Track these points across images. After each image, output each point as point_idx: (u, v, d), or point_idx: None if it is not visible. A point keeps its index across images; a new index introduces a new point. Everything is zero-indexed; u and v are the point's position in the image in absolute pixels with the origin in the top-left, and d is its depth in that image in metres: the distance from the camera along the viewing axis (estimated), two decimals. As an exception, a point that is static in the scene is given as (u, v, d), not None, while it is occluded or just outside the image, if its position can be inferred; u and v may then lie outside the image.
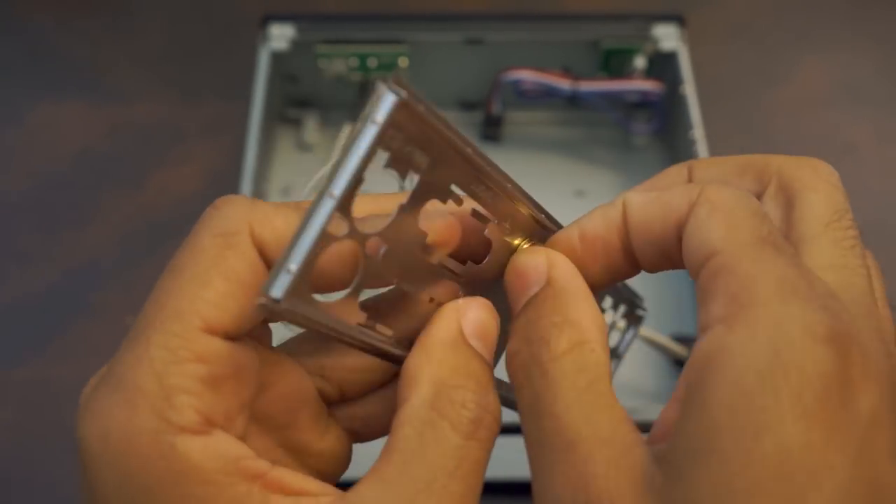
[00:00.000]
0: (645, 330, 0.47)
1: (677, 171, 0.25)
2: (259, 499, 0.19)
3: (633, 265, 0.23)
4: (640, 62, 0.56)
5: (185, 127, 0.60)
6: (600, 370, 0.21)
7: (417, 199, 0.20)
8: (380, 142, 0.19)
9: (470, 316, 0.22)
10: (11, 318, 0.52)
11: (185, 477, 0.19)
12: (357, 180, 0.18)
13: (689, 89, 0.54)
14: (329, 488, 0.21)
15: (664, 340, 0.47)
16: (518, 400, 0.21)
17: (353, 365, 0.24)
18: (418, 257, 0.21)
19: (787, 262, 0.19)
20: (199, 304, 0.19)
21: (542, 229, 0.24)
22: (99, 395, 0.20)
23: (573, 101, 0.56)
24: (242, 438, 0.21)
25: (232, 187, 0.52)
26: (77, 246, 0.55)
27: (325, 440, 0.24)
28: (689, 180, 0.25)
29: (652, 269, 0.23)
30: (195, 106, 0.62)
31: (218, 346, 0.20)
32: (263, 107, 0.53)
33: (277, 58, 0.56)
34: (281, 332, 0.24)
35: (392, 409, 0.22)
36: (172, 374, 0.19)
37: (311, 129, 0.59)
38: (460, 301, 0.22)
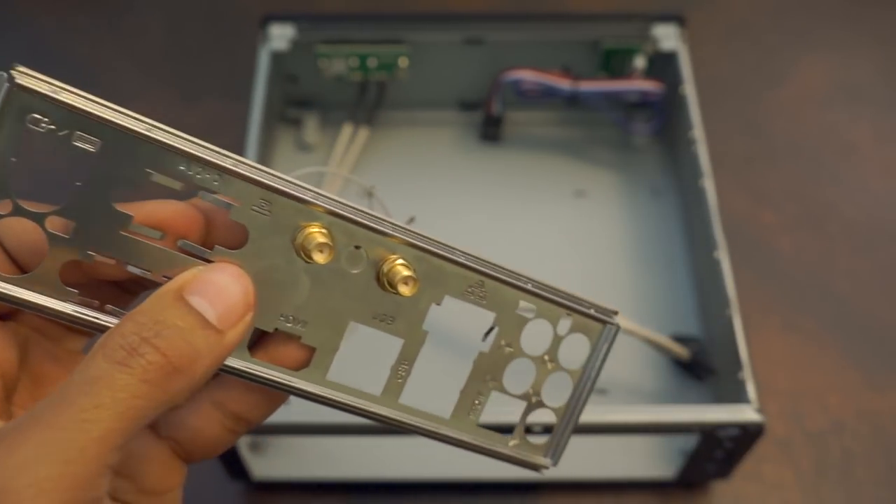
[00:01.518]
0: (645, 330, 0.47)
1: None
2: None
3: None
4: (640, 62, 0.56)
5: (184, 127, 0.60)
6: None
7: (98, 181, 0.22)
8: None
9: (204, 276, 0.22)
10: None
11: None
12: None
13: (689, 89, 0.54)
14: None
15: (664, 340, 0.47)
16: None
17: None
18: (137, 239, 0.22)
19: None
20: None
21: (299, 204, 0.23)
22: None
23: (573, 101, 0.56)
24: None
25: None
26: (77, 246, 0.55)
27: (136, 446, 0.24)
28: None
29: None
30: (195, 106, 0.62)
31: None
32: (263, 107, 0.53)
33: (277, 58, 0.56)
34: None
35: (215, 422, 0.24)
36: None
37: (311, 129, 0.59)
38: (205, 265, 0.22)
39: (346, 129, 0.58)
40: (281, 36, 0.56)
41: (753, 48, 0.66)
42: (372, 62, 0.57)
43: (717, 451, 0.43)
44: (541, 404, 0.27)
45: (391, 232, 0.24)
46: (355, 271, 0.24)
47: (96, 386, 0.20)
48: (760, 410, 0.41)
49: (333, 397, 0.25)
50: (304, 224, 0.23)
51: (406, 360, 0.26)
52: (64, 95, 0.21)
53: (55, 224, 0.22)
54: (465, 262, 0.25)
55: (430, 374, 0.28)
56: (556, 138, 0.59)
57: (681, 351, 0.47)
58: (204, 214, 0.23)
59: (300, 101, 0.59)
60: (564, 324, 0.27)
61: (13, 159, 0.21)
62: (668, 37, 0.56)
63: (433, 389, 0.27)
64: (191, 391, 0.21)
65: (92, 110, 0.21)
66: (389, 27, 0.56)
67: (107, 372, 0.20)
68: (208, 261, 0.23)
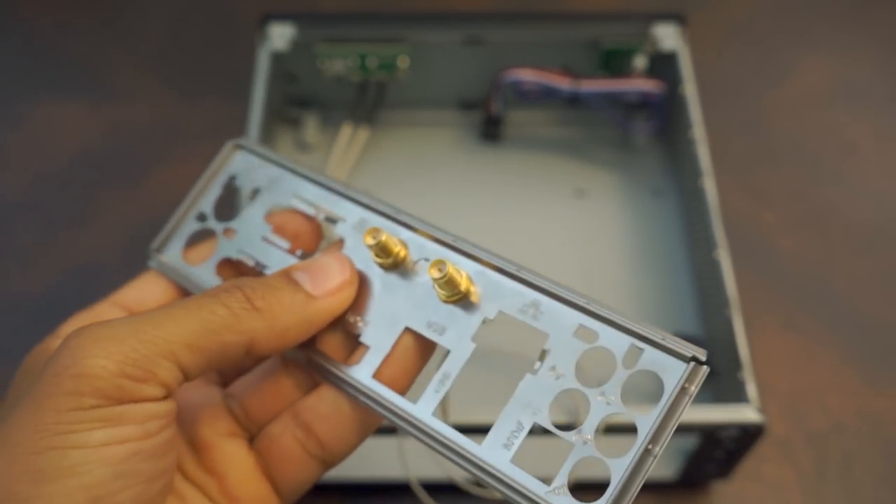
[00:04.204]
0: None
1: None
2: None
3: None
4: (640, 62, 0.56)
5: (184, 127, 0.60)
6: None
7: (259, 205, 0.31)
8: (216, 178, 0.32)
9: (312, 259, 0.27)
10: (11, 318, 0.52)
11: (47, 347, 0.28)
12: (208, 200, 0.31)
13: (690, 89, 0.54)
14: None
15: (664, 340, 0.47)
16: None
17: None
18: (272, 247, 0.29)
19: None
20: (116, 293, 0.30)
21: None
22: None
23: (573, 101, 0.56)
24: None
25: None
26: (77, 246, 0.55)
27: (225, 444, 0.28)
28: None
29: None
30: (195, 106, 0.62)
31: (110, 307, 0.29)
32: (263, 106, 0.53)
33: (277, 58, 0.56)
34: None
35: (289, 432, 0.27)
36: (75, 318, 0.29)
37: (311, 128, 0.59)
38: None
39: (346, 129, 0.58)
40: (281, 35, 0.56)
41: (753, 48, 0.66)
42: (372, 62, 0.57)
43: (718, 452, 0.43)
44: (591, 451, 0.23)
45: (452, 243, 0.27)
46: (420, 280, 0.27)
47: (185, 301, 0.24)
48: (760, 410, 0.41)
49: (371, 394, 0.26)
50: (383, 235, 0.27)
51: (449, 372, 0.25)
52: (263, 153, 0.32)
53: (227, 232, 0.30)
54: (522, 277, 0.25)
55: (469, 391, 0.27)
56: (556, 138, 0.59)
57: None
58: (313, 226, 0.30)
59: (300, 101, 0.59)
60: (632, 357, 0.23)
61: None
62: (668, 37, 0.56)
63: (468, 407, 0.27)
64: (275, 339, 0.25)
65: (270, 156, 0.31)
66: (389, 27, 0.56)
67: (197, 298, 0.24)
68: None
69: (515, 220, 0.55)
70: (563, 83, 0.55)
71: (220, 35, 0.66)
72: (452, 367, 0.25)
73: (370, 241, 0.26)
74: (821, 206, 0.58)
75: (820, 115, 0.62)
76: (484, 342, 0.25)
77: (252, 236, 0.30)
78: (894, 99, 0.63)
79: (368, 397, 0.26)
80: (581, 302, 0.24)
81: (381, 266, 0.27)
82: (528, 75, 0.55)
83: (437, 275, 0.25)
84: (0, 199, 0.57)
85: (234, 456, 0.27)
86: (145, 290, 0.30)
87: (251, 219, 0.30)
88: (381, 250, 0.27)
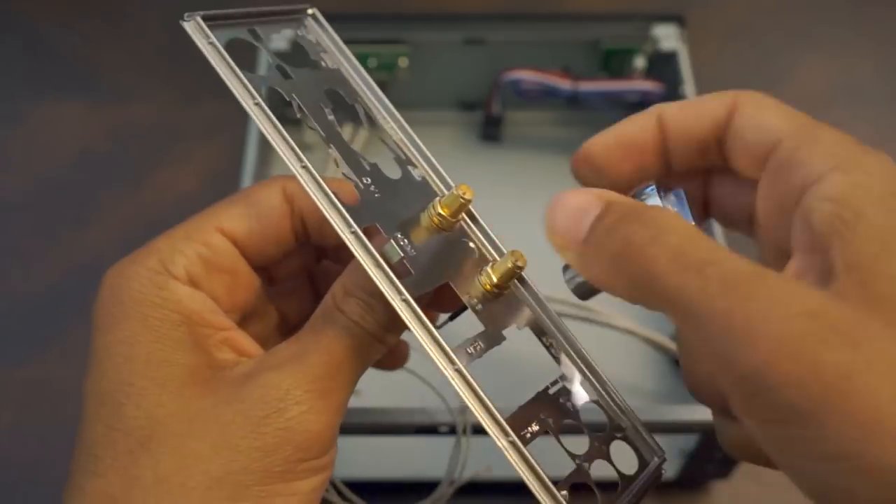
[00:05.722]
0: (645, 330, 0.47)
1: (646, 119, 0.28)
2: (214, 343, 0.25)
3: (663, 166, 0.27)
4: (640, 62, 0.56)
5: (184, 127, 0.60)
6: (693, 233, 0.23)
7: (319, 77, 0.32)
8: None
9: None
10: (11, 318, 0.52)
11: (168, 303, 0.24)
12: None
13: (689, 89, 0.54)
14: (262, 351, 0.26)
15: (664, 340, 0.47)
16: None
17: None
18: (329, 118, 0.30)
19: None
20: (220, 213, 0.27)
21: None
22: (124, 258, 0.26)
23: (573, 101, 0.56)
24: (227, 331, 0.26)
25: (232, 187, 0.52)
26: (77, 246, 0.55)
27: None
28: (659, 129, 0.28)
29: (683, 168, 0.27)
30: (195, 106, 0.62)
31: (221, 241, 0.27)
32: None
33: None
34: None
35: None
36: (181, 246, 0.26)
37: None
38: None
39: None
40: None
41: (753, 48, 0.66)
42: (372, 62, 0.57)
43: (717, 451, 0.43)
44: (587, 476, 0.27)
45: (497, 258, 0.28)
46: (467, 257, 0.28)
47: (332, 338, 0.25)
48: (760, 410, 0.41)
49: (417, 312, 0.25)
50: (441, 202, 0.28)
51: (483, 342, 0.26)
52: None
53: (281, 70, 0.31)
54: (542, 315, 0.27)
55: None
56: (556, 138, 0.59)
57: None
58: None
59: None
60: (617, 442, 0.28)
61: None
62: (668, 37, 0.56)
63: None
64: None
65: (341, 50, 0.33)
66: (389, 27, 0.56)
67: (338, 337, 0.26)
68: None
69: (515, 221, 0.55)
70: (563, 83, 0.55)
71: (220, 35, 0.66)
72: (486, 342, 0.26)
73: (469, 196, 0.27)
74: (821, 206, 0.58)
75: (820, 115, 0.61)
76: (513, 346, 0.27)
77: (309, 93, 0.32)
78: (894, 99, 0.63)
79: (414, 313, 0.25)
80: (584, 367, 0.27)
81: (435, 224, 0.28)
82: (528, 75, 0.55)
83: (515, 264, 0.27)
84: (0, 199, 0.57)
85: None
86: (262, 224, 0.28)
87: (310, 82, 0.32)
88: (453, 216, 0.28)
